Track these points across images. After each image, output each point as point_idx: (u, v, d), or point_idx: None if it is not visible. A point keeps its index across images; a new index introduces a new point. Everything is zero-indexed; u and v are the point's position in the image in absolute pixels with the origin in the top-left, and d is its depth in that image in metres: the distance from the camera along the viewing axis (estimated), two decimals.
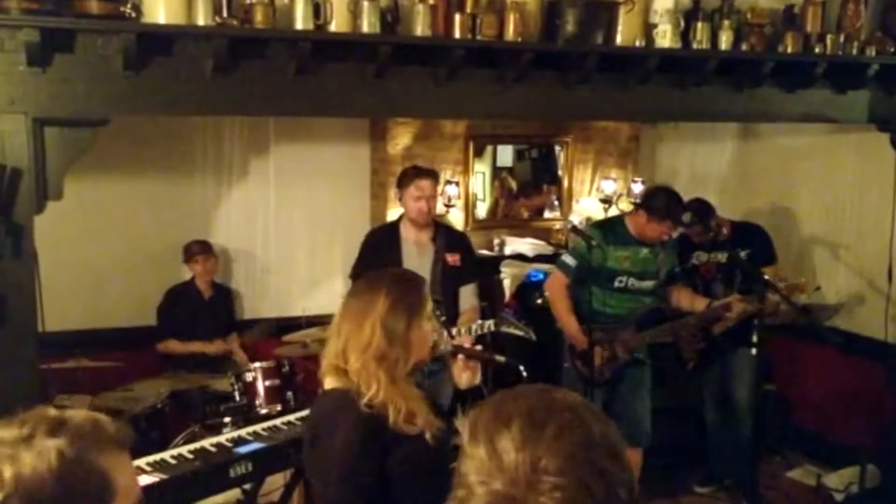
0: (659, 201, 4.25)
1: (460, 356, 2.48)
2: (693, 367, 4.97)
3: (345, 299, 2.34)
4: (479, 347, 2.50)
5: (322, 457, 2.19)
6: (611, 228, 4.41)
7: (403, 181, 4.22)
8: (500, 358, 2.63)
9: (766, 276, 4.34)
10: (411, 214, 4.17)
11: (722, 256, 4.72)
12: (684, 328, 4.53)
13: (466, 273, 4.27)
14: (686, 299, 4.54)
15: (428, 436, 2.16)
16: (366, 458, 2.12)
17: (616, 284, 4.31)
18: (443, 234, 4.29)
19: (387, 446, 2.14)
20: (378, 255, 4.21)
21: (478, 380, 2.52)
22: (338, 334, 2.26)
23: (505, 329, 3.92)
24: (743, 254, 4.65)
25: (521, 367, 3.02)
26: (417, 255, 4.18)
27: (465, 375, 2.49)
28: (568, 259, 4.40)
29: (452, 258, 4.19)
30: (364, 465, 2.12)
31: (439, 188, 4.79)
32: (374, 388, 2.15)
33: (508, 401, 1.05)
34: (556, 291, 4.40)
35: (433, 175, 4.26)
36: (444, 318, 3.49)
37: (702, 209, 4.71)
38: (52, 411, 1.26)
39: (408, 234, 4.23)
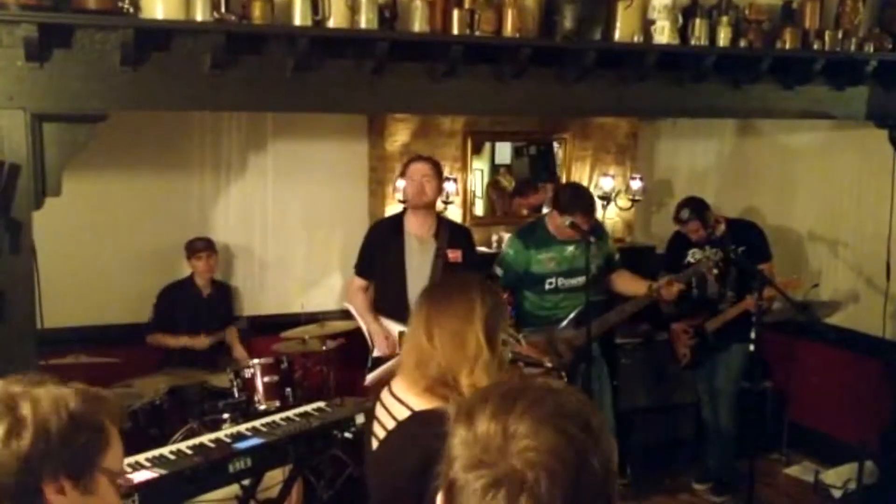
0: (565, 196, 4.31)
1: (520, 363, 2.35)
2: (686, 365, 4.99)
3: (430, 306, 2.09)
4: (533, 355, 2.34)
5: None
6: (531, 232, 4.45)
7: (402, 170, 4.29)
8: (548, 363, 2.53)
9: (763, 271, 4.36)
10: (410, 197, 4.18)
11: (716, 253, 4.71)
12: (620, 316, 4.51)
13: (467, 269, 4.25)
14: (627, 284, 4.55)
15: None
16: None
17: (546, 287, 4.34)
18: (445, 229, 4.28)
19: None
20: (380, 248, 4.23)
21: None
22: (432, 346, 2.02)
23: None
24: (738, 251, 4.66)
25: (563, 374, 2.99)
26: (419, 250, 4.19)
27: None
28: (497, 270, 4.45)
29: (453, 254, 4.19)
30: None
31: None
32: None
33: (489, 387, 1.13)
34: None
35: (429, 159, 4.27)
36: None
37: (698, 206, 4.74)
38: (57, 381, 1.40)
39: (410, 227, 4.22)
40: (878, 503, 4.57)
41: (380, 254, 4.23)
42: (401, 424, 2.02)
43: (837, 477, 4.92)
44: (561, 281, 4.34)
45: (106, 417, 1.38)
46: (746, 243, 4.75)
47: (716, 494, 4.96)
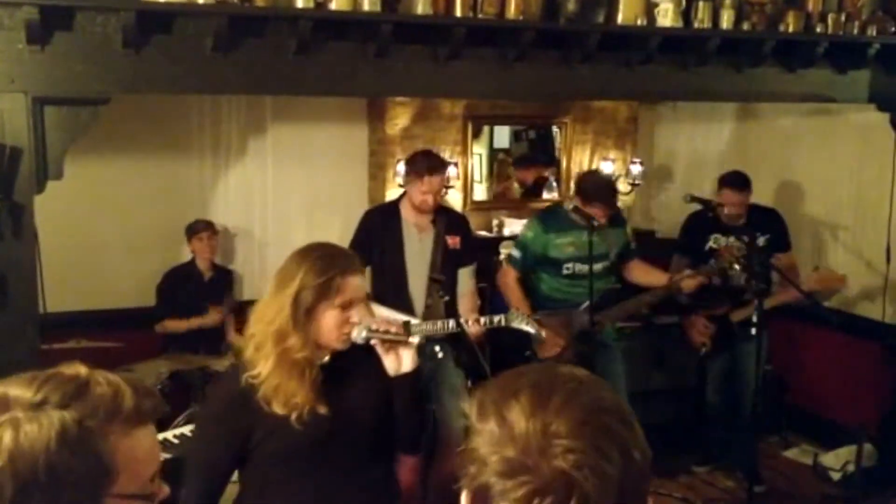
0: (586, 185, 4.31)
1: (373, 342, 2.23)
2: (705, 354, 4.89)
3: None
4: (393, 329, 2.23)
5: (196, 422, 2.33)
6: (551, 216, 4.45)
7: (413, 170, 4.09)
8: (414, 340, 2.32)
9: (775, 264, 4.34)
10: (415, 203, 4.10)
11: (740, 246, 4.59)
12: (637, 305, 4.52)
13: (466, 255, 4.26)
14: (644, 275, 4.55)
15: (293, 417, 2.11)
16: (223, 430, 2.17)
17: (564, 272, 4.34)
18: (443, 216, 4.24)
19: (251, 421, 2.13)
20: (377, 235, 4.17)
21: (406, 366, 2.26)
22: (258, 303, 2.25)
23: (515, 325, 3.92)
24: (762, 239, 4.61)
25: (437, 348, 2.95)
26: (418, 237, 4.15)
27: (388, 361, 2.26)
28: (514, 252, 4.46)
29: (453, 240, 4.17)
30: (219, 436, 2.18)
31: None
32: (261, 364, 2.13)
33: (513, 377, 1.04)
34: (507, 285, 4.45)
35: (443, 169, 4.18)
36: (447, 298, 3.48)
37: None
38: (80, 372, 1.20)
39: (408, 215, 4.18)
40: (877, 485, 4.59)
41: (377, 242, 4.17)
42: None
43: (836, 459, 4.94)
44: (578, 266, 4.33)
45: (114, 441, 1.16)
46: (770, 232, 4.69)
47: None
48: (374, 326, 2.22)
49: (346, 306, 2.17)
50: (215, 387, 2.31)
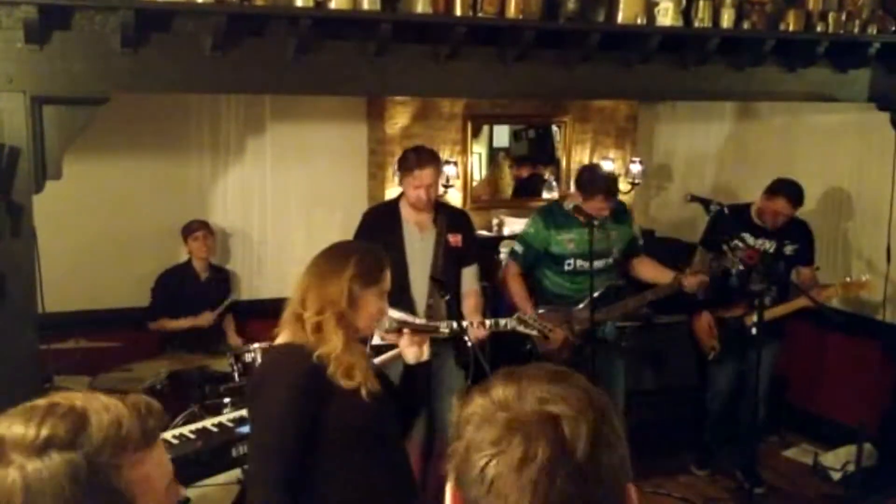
0: (583, 178, 4.34)
1: (405, 331, 2.58)
2: (713, 358, 4.81)
3: (314, 259, 2.43)
4: (420, 321, 2.66)
5: (264, 404, 2.29)
6: (552, 212, 4.45)
7: (403, 166, 4.09)
8: (445, 330, 2.85)
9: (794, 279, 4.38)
10: (410, 200, 4.08)
11: (770, 245, 4.57)
12: (639, 302, 4.50)
13: (468, 253, 4.22)
14: (650, 272, 4.53)
15: (363, 392, 2.27)
16: (304, 407, 2.24)
17: (566, 268, 4.34)
18: (444, 214, 4.21)
19: (324, 397, 2.25)
20: (378, 234, 4.15)
21: (426, 355, 2.59)
22: (298, 287, 2.37)
23: (522, 329, 3.91)
24: (790, 248, 4.60)
25: (467, 339, 3.11)
26: (419, 236, 4.12)
27: (411, 351, 2.57)
28: (516, 247, 4.47)
29: (454, 239, 4.13)
30: (302, 413, 2.24)
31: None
32: (332, 342, 2.27)
33: (513, 372, 1.04)
34: (510, 280, 4.45)
35: (433, 162, 4.07)
36: (448, 298, 3.46)
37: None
38: (76, 405, 1.13)
39: (408, 214, 4.14)
40: (877, 485, 4.58)
41: (377, 241, 4.13)
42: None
43: (836, 459, 4.94)
44: (580, 262, 4.32)
45: (127, 473, 1.13)
46: (800, 243, 4.66)
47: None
48: (399, 318, 2.54)
49: (384, 295, 2.41)
50: (278, 366, 2.32)
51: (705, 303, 4.71)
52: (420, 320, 3.87)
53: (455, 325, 3.64)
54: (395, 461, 2.44)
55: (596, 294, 4.19)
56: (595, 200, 4.20)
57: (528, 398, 0.93)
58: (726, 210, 4.41)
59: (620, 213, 4.48)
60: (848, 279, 4.75)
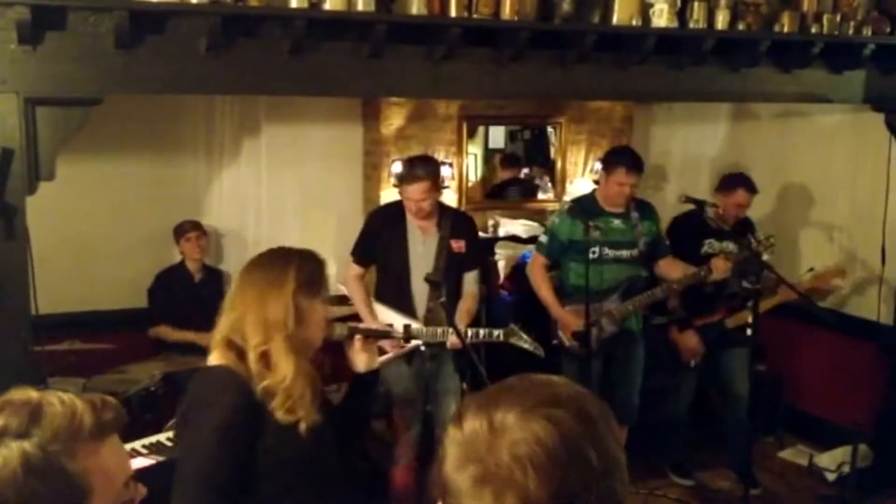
0: (609, 154, 4.50)
1: (357, 337, 2.37)
2: (695, 366, 4.79)
3: (245, 271, 2.18)
4: (375, 326, 2.39)
5: (194, 433, 2.06)
6: (579, 202, 4.50)
7: (398, 177, 4.14)
8: (398, 334, 2.61)
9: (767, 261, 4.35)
10: (410, 211, 4.07)
11: (732, 246, 4.55)
12: (668, 292, 4.49)
13: (470, 259, 4.20)
14: (673, 271, 4.51)
15: (302, 426, 2.07)
16: (240, 436, 2.03)
17: (590, 256, 4.25)
18: (448, 218, 4.18)
19: (259, 433, 2.05)
20: (383, 236, 4.13)
21: (376, 363, 2.41)
22: (233, 307, 2.13)
23: (513, 342, 3.89)
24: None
25: (420, 342, 3.02)
26: (422, 240, 4.10)
27: (361, 357, 2.38)
28: (542, 238, 4.50)
29: (457, 244, 4.11)
30: (233, 449, 2.02)
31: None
32: (281, 371, 2.04)
33: (491, 385, 1.07)
34: (536, 274, 4.46)
35: (422, 178, 3.96)
36: (443, 299, 3.45)
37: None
38: (31, 398, 1.18)
39: (412, 217, 4.11)
40: (873, 486, 4.58)
41: (382, 242, 4.13)
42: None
43: (832, 460, 4.94)
44: (605, 251, 4.28)
45: (81, 460, 1.17)
46: (751, 233, 4.69)
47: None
48: (350, 324, 2.28)
49: (327, 300, 2.21)
50: (210, 390, 2.08)
51: (689, 313, 4.70)
52: (417, 323, 3.87)
53: (441, 331, 3.72)
54: (331, 498, 2.24)
55: (618, 285, 4.30)
56: (617, 174, 4.23)
57: (501, 444, 0.96)
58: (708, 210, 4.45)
59: (647, 210, 4.50)
60: (821, 269, 4.76)
